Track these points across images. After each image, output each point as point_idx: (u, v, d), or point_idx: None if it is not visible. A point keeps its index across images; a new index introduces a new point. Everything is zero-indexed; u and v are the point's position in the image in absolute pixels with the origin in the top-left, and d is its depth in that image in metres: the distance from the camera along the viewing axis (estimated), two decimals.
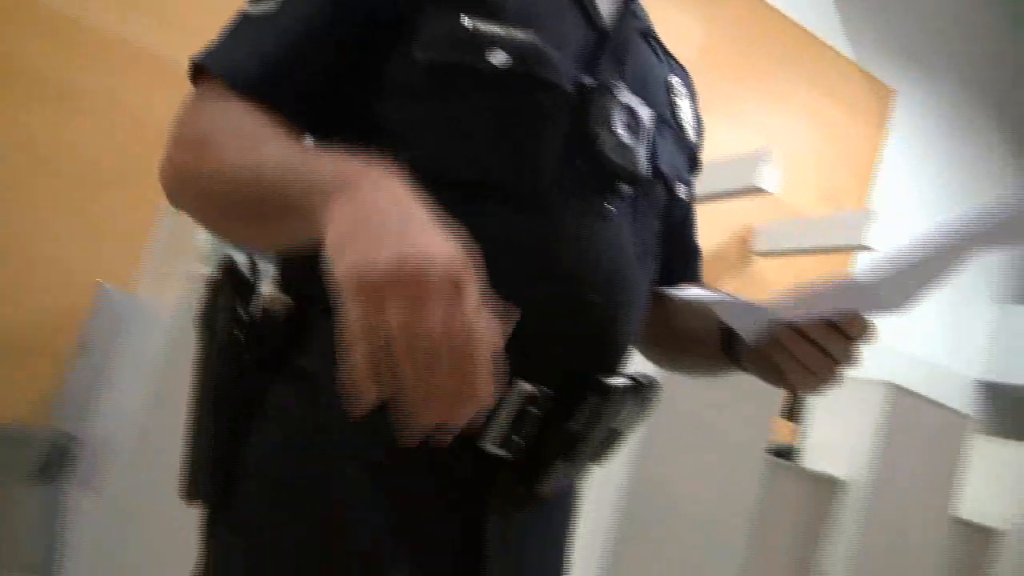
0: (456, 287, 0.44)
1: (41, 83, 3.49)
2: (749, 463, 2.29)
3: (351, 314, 0.44)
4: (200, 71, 0.66)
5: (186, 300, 1.82)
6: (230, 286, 0.65)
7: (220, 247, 2.05)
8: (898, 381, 2.75)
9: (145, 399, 1.80)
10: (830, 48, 5.50)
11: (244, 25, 0.67)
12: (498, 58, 0.65)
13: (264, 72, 0.64)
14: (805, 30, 5.38)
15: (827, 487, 2.70)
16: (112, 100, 3.60)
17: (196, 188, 0.63)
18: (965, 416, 2.95)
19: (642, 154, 0.73)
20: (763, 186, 4.08)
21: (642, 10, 0.82)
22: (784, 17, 5.29)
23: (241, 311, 0.64)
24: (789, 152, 4.95)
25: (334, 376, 0.61)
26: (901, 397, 2.73)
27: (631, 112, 0.72)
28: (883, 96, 5.75)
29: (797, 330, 0.64)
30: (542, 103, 0.67)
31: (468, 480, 0.64)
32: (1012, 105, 6.35)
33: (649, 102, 0.75)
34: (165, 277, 2.52)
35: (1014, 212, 0.54)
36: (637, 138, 0.72)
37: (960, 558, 3.16)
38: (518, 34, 0.66)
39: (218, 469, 0.64)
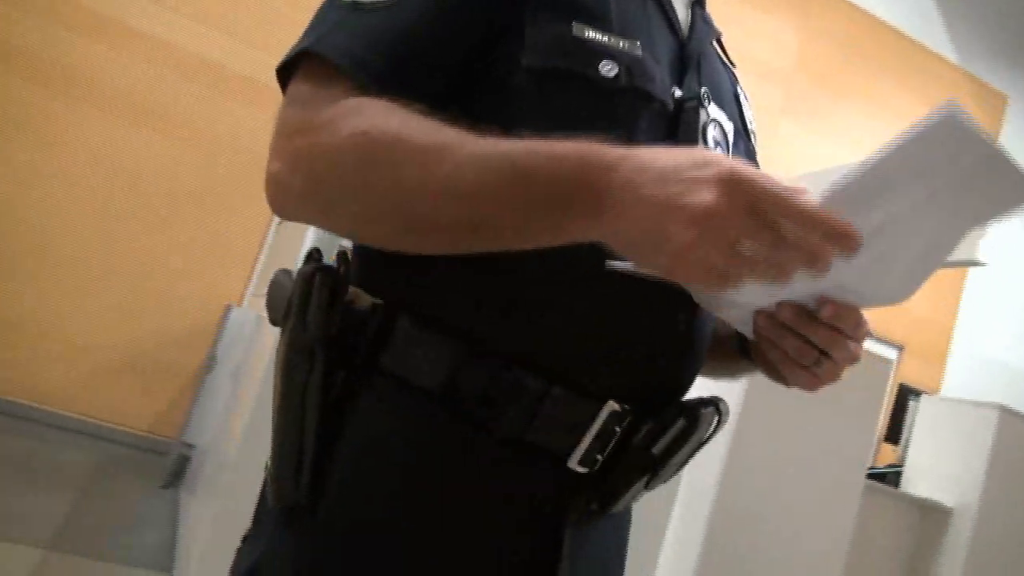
0: (745, 191, 0.45)
1: (150, 109, 3.75)
2: (848, 486, 2.20)
3: (720, 282, 0.46)
4: (294, 65, 0.62)
5: None
6: (324, 282, 0.61)
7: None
8: (1008, 401, 2.60)
9: (250, 410, 1.90)
10: (934, 53, 5.27)
11: (354, 15, 0.62)
12: (608, 69, 0.64)
13: (392, 66, 0.60)
14: (906, 36, 5.18)
15: (932, 515, 2.58)
16: (212, 124, 3.84)
17: (367, 202, 0.57)
18: None
19: None
20: None
21: (708, 15, 0.81)
22: (883, 23, 5.11)
23: (333, 308, 0.61)
24: None
25: (416, 380, 0.61)
26: (1013, 421, 2.58)
27: (719, 126, 0.72)
28: (994, 101, 5.46)
29: (779, 323, 0.61)
30: (645, 116, 0.66)
31: (546, 495, 0.64)
32: None
33: (728, 114, 0.75)
34: None
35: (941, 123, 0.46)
36: (727, 152, 0.72)
37: None
38: (625, 45, 0.66)
39: (306, 472, 0.62)
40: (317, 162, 0.58)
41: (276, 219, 3.70)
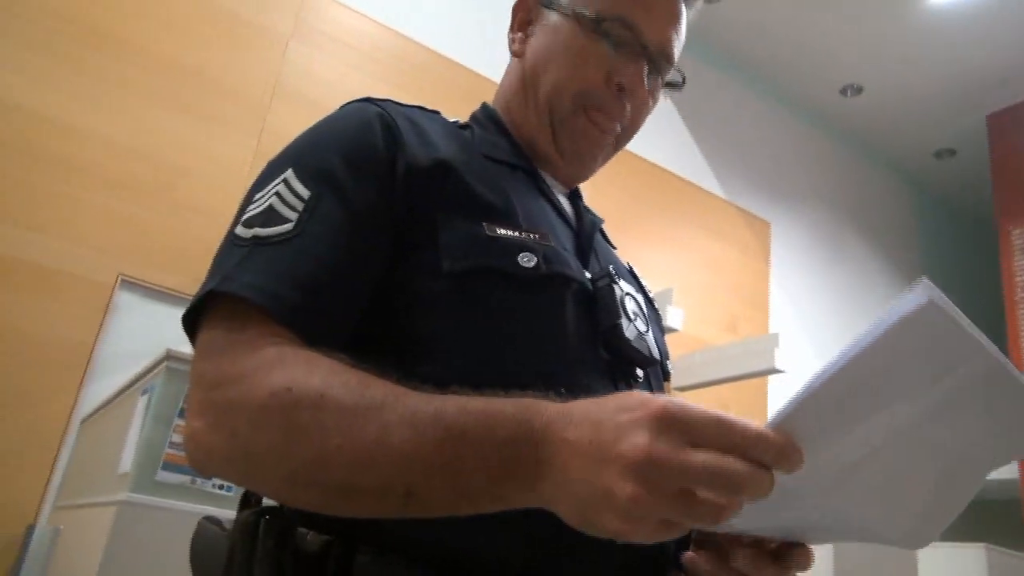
0: (680, 424, 0.42)
1: None
2: None
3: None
4: (201, 310, 0.58)
5: (114, 535, 1.68)
6: (270, 530, 0.55)
7: (146, 470, 1.91)
8: None
9: None
10: (707, 191, 5.95)
11: (258, 251, 0.59)
12: (528, 261, 0.66)
13: (306, 299, 0.58)
14: (682, 178, 5.83)
15: None
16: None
17: (292, 466, 0.52)
18: None
19: (651, 339, 0.76)
20: (670, 325, 4.32)
21: (587, 207, 0.88)
22: (662, 169, 5.72)
23: (283, 557, 0.54)
24: (689, 290, 5.21)
25: None
26: None
27: (633, 299, 0.76)
28: (760, 229, 6.20)
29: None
30: (568, 299, 0.68)
31: None
32: (878, 227, 6.98)
33: (635, 288, 0.80)
34: (80, 508, 2.33)
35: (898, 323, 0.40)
36: (646, 324, 0.76)
37: None
38: (536, 237, 0.69)
39: None
40: (238, 419, 0.53)
41: (78, 418, 3.30)
